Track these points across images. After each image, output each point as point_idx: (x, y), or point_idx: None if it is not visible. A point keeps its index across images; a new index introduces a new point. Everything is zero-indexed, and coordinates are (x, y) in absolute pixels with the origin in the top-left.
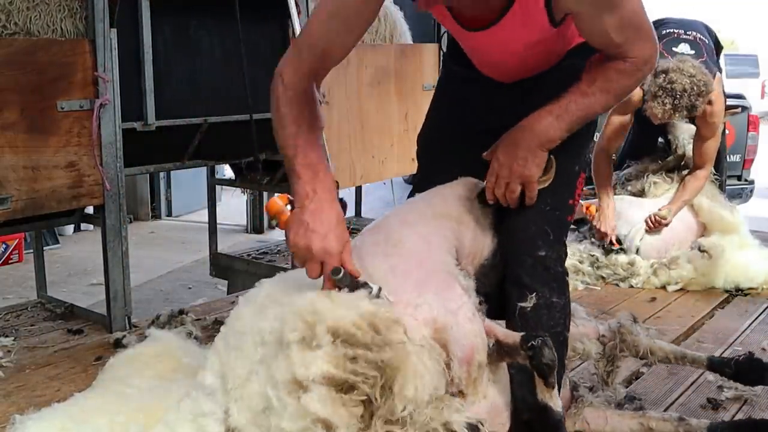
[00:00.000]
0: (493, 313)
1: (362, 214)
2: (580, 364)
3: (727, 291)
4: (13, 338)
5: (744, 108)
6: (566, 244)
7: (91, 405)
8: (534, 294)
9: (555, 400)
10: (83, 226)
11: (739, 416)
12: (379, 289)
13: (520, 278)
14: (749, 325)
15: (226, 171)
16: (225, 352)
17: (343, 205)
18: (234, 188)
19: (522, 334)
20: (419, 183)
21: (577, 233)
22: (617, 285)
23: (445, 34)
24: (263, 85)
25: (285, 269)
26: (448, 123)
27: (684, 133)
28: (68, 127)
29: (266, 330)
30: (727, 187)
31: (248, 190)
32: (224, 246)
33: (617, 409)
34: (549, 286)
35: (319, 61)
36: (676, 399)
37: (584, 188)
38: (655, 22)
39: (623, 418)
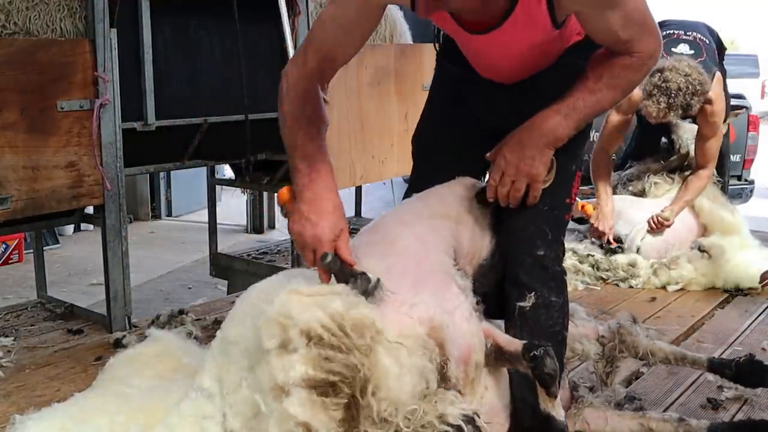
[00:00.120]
0: (492, 313)
1: (362, 214)
2: (580, 364)
3: (727, 291)
4: (13, 338)
5: (744, 108)
6: (564, 243)
7: (91, 405)
8: (533, 293)
9: (558, 410)
10: (83, 226)
11: (739, 416)
12: (378, 280)
13: (518, 278)
14: (749, 325)
15: (226, 171)
16: (219, 356)
17: None
18: (234, 188)
19: (524, 342)
20: (415, 183)
21: (576, 233)
22: (617, 285)
23: (441, 33)
24: (263, 85)
25: (285, 269)
26: (444, 123)
27: (687, 132)
28: (68, 127)
29: (249, 337)
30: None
31: (248, 190)
32: (224, 246)
33: (617, 410)
34: (547, 285)
35: (323, 63)
36: (676, 399)
37: (584, 188)
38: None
39: (623, 419)
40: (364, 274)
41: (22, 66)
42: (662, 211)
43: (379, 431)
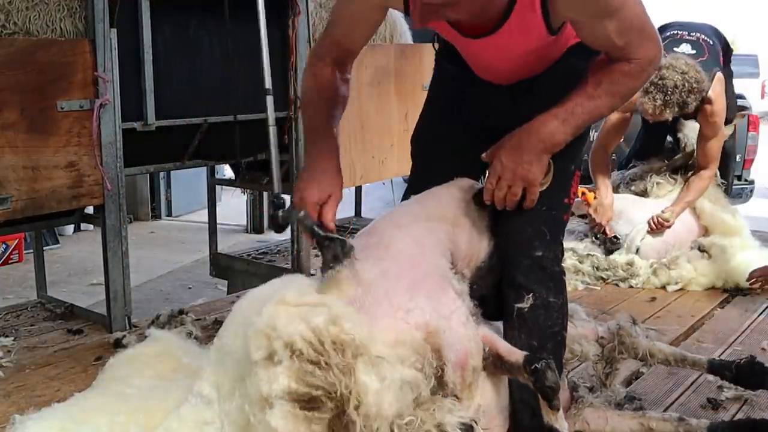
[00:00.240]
0: (491, 315)
1: (362, 214)
2: (580, 364)
3: (727, 291)
4: (13, 338)
5: (745, 108)
6: (563, 243)
7: (91, 405)
8: (531, 294)
9: (561, 422)
10: (83, 226)
11: (739, 416)
12: (350, 247)
13: (516, 279)
14: (749, 325)
15: (226, 171)
16: (216, 364)
17: None
18: (234, 188)
19: (525, 354)
20: (414, 183)
21: (576, 233)
22: (617, 285)
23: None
24: (262, 85)
25: (285, 269)
26: (444, 122)
27: (693, 131)
28: (68, 127)
29: (240, 348)
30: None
31: (248, 190)
32: (224, 246)
33: (617, 410)
34: (546, 286)
35: (337, 51)
36: (676, 399)
37: (584, 187)
38: (661, 27)
39: (623, 419)
40: (337, 238)
41: (22, 66)
42: (662, 211)
43: None
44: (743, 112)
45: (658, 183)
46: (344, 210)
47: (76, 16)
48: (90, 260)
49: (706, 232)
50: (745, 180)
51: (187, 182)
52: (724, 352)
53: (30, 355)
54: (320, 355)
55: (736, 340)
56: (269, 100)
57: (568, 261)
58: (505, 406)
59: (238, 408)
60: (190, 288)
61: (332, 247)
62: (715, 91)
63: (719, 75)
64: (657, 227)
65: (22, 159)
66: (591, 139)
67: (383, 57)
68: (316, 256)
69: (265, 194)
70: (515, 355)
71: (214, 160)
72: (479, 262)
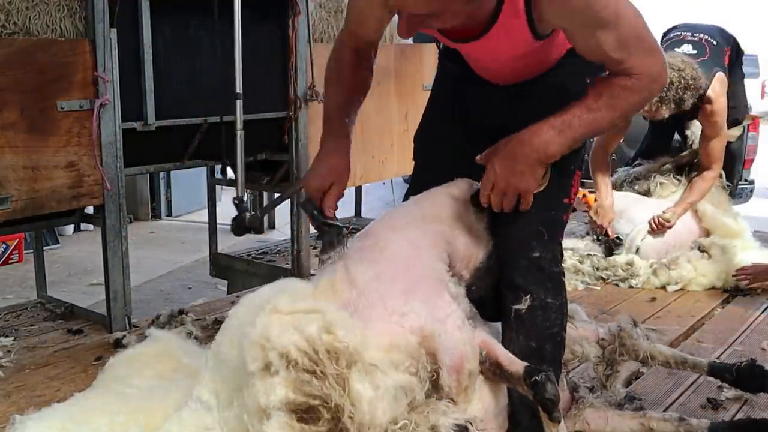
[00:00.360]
0: (489, 316)
1: (362, 214)
2: (580, 364)
3: (727, 291)
4: (13, 338)
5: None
6: (562, 243)
7: (91, 405)
8: (528, 296)
9: None
10: (83, 226)
11: (739, 416)
12: (343, 233)
13: (514, 280)
14: (749, 325)
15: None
16: (214, 370)
17: None
18: (234, 188)
19: (525, 365)
20: (415, 182)
21: (577, 233)
22: (617, 285)
23: None
24: (262, 85)
25: (285, 269)
26: (445, 121)
27: (700, 129)
28: (68, 127)
29: (236, 358)
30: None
31: (248, 190)
32: (224, 246)
33: (617, 410)
34: (544, 286)
35: (355, 41)
36: (676, 399)
37: (584, 189)
38: (668, 29)
39: (623, 419)
40: (334, 225)
41: (22, 66)
42: (664, 212)
43: None
44: (752, 114)
45: (661, 183)
46: (344, 210)
47: (76, 16)
48: (90, 260)
49: (706, 233)
50: (745, 180)
51: (187, 182)
52: (724, 352)
53: (30, 355)
54: (315, 364)
55: (736, 340)
56: (239, 104)
57: (568, 261)
58: (503, 408)
59: (237, 417)
60: (190, 288)
61: (329, 232)
62: (715, 90)
63: (720, 75)
64: (658, 228)
65: (22, 159)
66: (591, 139)
67: (383, 57)
68: (316, 256)
69: (265, 194)
70: (515, 365)
71: (213, 160)
72: (478, 262)
